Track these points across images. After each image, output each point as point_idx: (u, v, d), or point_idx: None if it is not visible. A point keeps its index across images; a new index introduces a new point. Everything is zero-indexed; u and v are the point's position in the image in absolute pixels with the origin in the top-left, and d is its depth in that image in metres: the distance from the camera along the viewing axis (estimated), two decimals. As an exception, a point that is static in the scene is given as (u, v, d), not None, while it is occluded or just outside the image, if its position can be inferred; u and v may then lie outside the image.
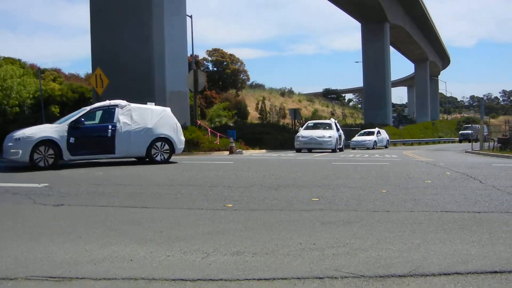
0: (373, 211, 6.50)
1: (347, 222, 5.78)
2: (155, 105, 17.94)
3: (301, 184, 9.58)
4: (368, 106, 78.54)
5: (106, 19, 26.83)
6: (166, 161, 16.58)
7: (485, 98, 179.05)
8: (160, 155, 16.55)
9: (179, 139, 17.28)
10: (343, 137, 33.40)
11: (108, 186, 9.35)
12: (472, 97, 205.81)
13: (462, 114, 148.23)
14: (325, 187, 9.09)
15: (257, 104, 72.52)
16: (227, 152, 25.19)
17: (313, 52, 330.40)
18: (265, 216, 6.20)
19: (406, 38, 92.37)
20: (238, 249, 4.55)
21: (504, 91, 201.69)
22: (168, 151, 16.78)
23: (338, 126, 32.70)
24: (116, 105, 16.35)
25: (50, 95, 32.21)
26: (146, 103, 17.53)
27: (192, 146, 24.24)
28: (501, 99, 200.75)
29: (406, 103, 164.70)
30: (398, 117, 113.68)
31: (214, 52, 71.45)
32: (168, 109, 17.69)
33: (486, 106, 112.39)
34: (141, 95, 25.84)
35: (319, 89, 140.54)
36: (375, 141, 44.81)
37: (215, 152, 24.90)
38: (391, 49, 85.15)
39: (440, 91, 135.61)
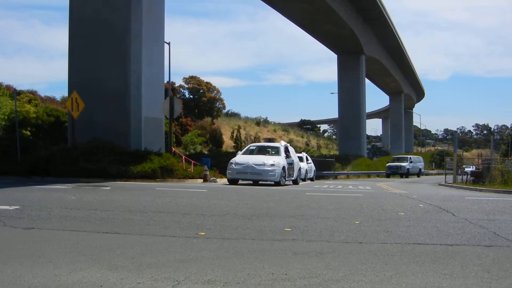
0: (345, 242, 6.50)
1: (320, 253, 5.78)
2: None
3: (274, 214, 9.57)
4: (342, 137, 78.89)
5: (84, 44, 26.79)
6: None
7: (458, 131, 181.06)
8: None
9: None
10: (297, 165, 26.66)
11: (80, 211, 9.26)
12: (446, 130, 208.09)
13: (436, 147, 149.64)
14: (298, 217, 9.09)
15: (232, 132, 72.61)
16: (201, 180, 25.08)
17: (290, 82, 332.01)
18: (238, 245, 6.17)
19: (382, 71, 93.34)
20: (209, 277, 4.52)
21: (477, 125, 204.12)
22: None
23: (291, 152, 25.99)
24: None
25: (25, 117, 32.01)
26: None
27: (166, 173, 24.13)
28: (474, 132, 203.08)
29: (381, 135, 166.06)
30: (373, 149, 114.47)
31: (191, 79, 71.70)
32: None
33: (460, 140, 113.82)
34: (117, 120, 25.85)
35: (295, 119, 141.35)
36: (306, 170, 35.86)
37: (189, 179, 24.78)
38: (367, 81, 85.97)
39: (414, 123, 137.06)
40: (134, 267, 4.90)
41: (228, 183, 23.39)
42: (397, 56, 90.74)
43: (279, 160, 23.20)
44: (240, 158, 23.69)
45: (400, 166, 56.89)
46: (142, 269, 4.82)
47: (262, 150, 25.09)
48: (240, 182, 23.24)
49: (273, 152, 24.43)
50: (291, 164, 24.90)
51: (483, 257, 5.73)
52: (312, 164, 39.30)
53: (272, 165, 22.60)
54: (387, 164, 59.62)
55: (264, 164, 22.60)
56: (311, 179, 37.78)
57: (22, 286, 4.15)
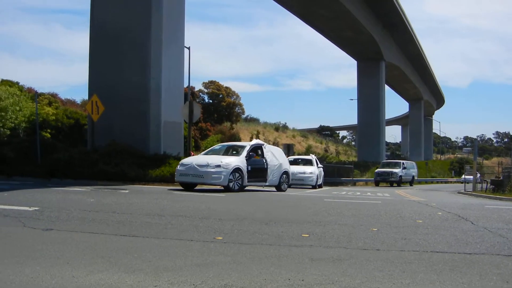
0: (363, 249, 6.47)
1: (337, 259, 5.76)
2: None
3: (292, 220, 9.55)
4: (361, 144, 78.73)
5: (105, 48, 27.00)
6: None
7: (478, 139, 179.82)
8: None
9: None
10: (278, 169, 22.37)
11: (99, 213, 9.31)
12: (466, 138, 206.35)
13: (455, 155, 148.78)
14: (316, 223, 9.07)
15: (251, 138, 72.55)
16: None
17: (309, 88, 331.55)
18: (255, 250, 6.17)
19: (401, 77, 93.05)
20: (226, 282, 4.52)
21: (497, 133, 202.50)
22: None
23: (267, 153, 22.05)
24: None
25: (45, 120, 32.26)
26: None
27: (184, 177, 24.16)
28: (494, 140, 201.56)
29: (400, 142, 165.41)
30: (392, 156, 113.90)
31: (210, 84, 71.82)
32: None
33: (480, 147, 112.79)
34: (136, 124, 25.99)
35: (314, 125, 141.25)
36: (317, 175, 32.12)
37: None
38: (386, 87, 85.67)
39: (434, 131, 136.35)
40: (151, 270, 4.92)
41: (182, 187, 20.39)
42: (417, 62, 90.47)
43: (231, 161, 19.78)
44: (188, 158, 21.12)
45: (392, 173, 49.10)
46: (159, 272, 4.83)
47: (225, 150, 21.99)
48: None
49: (234, 152, 21.32)
50: (260, 166, 21.31)
51: (502, 266, 5.67)
52: (321, 169, 34.68)
53: (218, 166, 19.14)
54: (376, 170, 52.13)
55: (207, 165, 19.16)
56: (320, 186, 33.47)
57: (40, 287, 4.18)
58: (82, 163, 23.13)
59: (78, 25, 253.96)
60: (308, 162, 33.15)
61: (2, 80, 37.49)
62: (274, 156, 22.58)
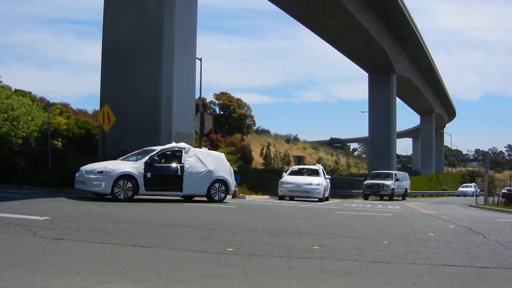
0: (374, 262, 6.44)
1: (347, 272, 5.72)
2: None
3: (303, 232, 9.53)
4: (372, 156, 78.41)
5: (117, 58, 27.07)
6: None
7: (490, 152, 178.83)
8: None
9: None
10: (204, 176, 19.30)
11: (109, 224, 9.31)
12: (477, 151, 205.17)
13: (467, 168, 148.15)
14: (327, 235, 9.04)
15: (262, 149, 72.54)
16: (230, 196, 25.07)
17: (320, 100, 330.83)
18: (265, 262, 6.14)
19: (413, 90, 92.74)
20: (236, 293, 4.50)
21: (509, 146, 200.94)
22: None
23: (193, 158, 19.34)
24: None
25: (56, 129, 32.41)
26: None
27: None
28: (506, 153, 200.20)
29: (411, 154, 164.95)
30: (403, 169, 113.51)
31: (222, 95, 71.89)
32: None
33: (491, 160, 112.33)
34: (147, 135, 26.00)
35: (325, 137, 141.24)
36: (324, 187, 29.12)
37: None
38: (397, 99, 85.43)
39: (445, 143, 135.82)
40: (161, 281, 4.90)
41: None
42: (428, 75, 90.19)
43: (119, 167, 17.79)
44: (87, 165, 18.61)
45: (383, 185, 43.07)
46: (169, 283, 4.82)
47: (140, 155, 19.35)
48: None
49: (139, 157, 18.85)
50: (169, 172, 18.72)
51: (515, 280, 5.64)
52: (328, 180, 31.20)
53: (100, 172, 17.21)
54: (365, 182, 46.13)
55: (91, 171, 17.43)
56: (326, 199, 30.26)
57: (50, 297, 4.17)
58: (93, 173, 23.13)
59: (90, 35, 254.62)
60: (314, 173, 30.61)
61: (15, 90, 37.83)
62: (201, 162, 19.65)
